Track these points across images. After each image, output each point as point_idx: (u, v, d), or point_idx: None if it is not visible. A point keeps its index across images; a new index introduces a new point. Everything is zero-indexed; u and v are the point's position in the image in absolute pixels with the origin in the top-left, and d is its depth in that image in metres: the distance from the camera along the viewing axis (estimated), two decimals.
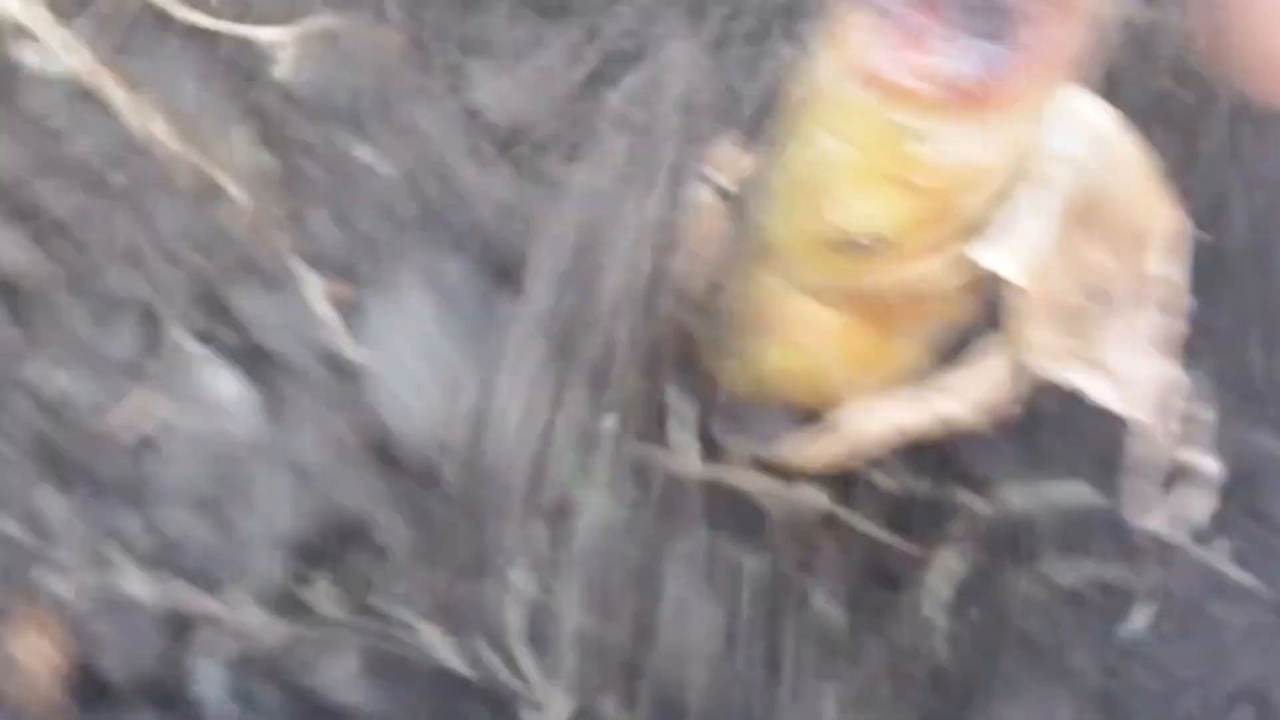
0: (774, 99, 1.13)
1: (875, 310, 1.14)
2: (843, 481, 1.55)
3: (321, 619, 1.49)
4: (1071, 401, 1.48)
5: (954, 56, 0.85)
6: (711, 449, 1.47)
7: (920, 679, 1.56)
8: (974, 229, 1.03)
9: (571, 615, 1.39)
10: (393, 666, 1.49)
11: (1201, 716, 1.52)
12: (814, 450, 1.37)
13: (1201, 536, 1.54)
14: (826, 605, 1.53)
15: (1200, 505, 1.11)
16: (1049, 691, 1.55)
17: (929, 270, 1.05)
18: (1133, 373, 1.12)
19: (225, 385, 1.46)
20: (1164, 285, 1.11)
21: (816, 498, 1.51)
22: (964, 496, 1.56)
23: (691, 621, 1.49)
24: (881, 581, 1.58)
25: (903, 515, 1.57)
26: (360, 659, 1.48)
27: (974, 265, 1.04)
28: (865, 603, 1.57)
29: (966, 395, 1.27)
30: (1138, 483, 1.10)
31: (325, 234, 1.46)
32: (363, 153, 1.46)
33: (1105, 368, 1.13)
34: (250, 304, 1.47)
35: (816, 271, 1.10)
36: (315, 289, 1.44)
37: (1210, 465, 1.10)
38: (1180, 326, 1.09)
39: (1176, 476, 1.49)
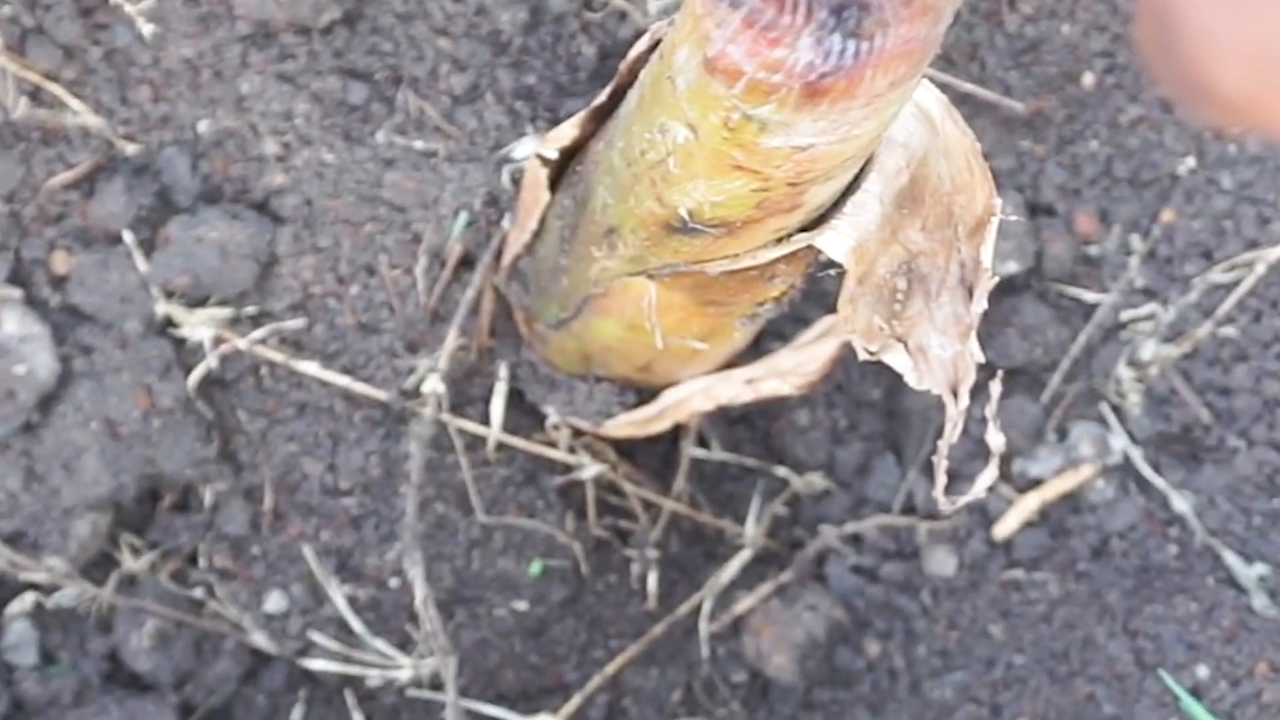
0: (618, 81, 1.14)
1: (711, 292, 1.15)
2: (663, 455, 1.58)
3: (133, 585, 1.48)
4: (892, 381, 1.53)
5: (805, 50, 0.86)
6: (535, 420, 1.49)
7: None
8: (818, 216, 1.05)
9: (414, 585, 1.40)
10: (196, 637, 1.48)
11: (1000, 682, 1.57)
12: (639, 426, 1.39)
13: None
14: (644, 572, 1.56)
15: (986, 478, 1.13)
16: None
17: (768, 255, 1.07)
18: (940, 353, 1.15)
19: (30, 337, 1.43)
20: (974, 267, 1.13)
21: (633, 471, 1.53)
22: (781, 471, 1.60)
23: (508, 589, 1.51)
24: (697, 550, 1.61)
25: (720, 488, 1.61)
26: (164, 628, 1.47)
27: (811, 249, 1.06)
28: (680, 570, 1.60)
29: (795, 376, 1.30)
30: (943, 462, 1.12)
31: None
32: None
33: (917, 348, 1.15)
34: (69, 264, 1.44)
35: (655, 252, 1.11)
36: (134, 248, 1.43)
37: (998, 440, 1.12)
38: (982, 307, 1.11)
39: (972, 451, 1.54)
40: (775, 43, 0.87)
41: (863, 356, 1.13)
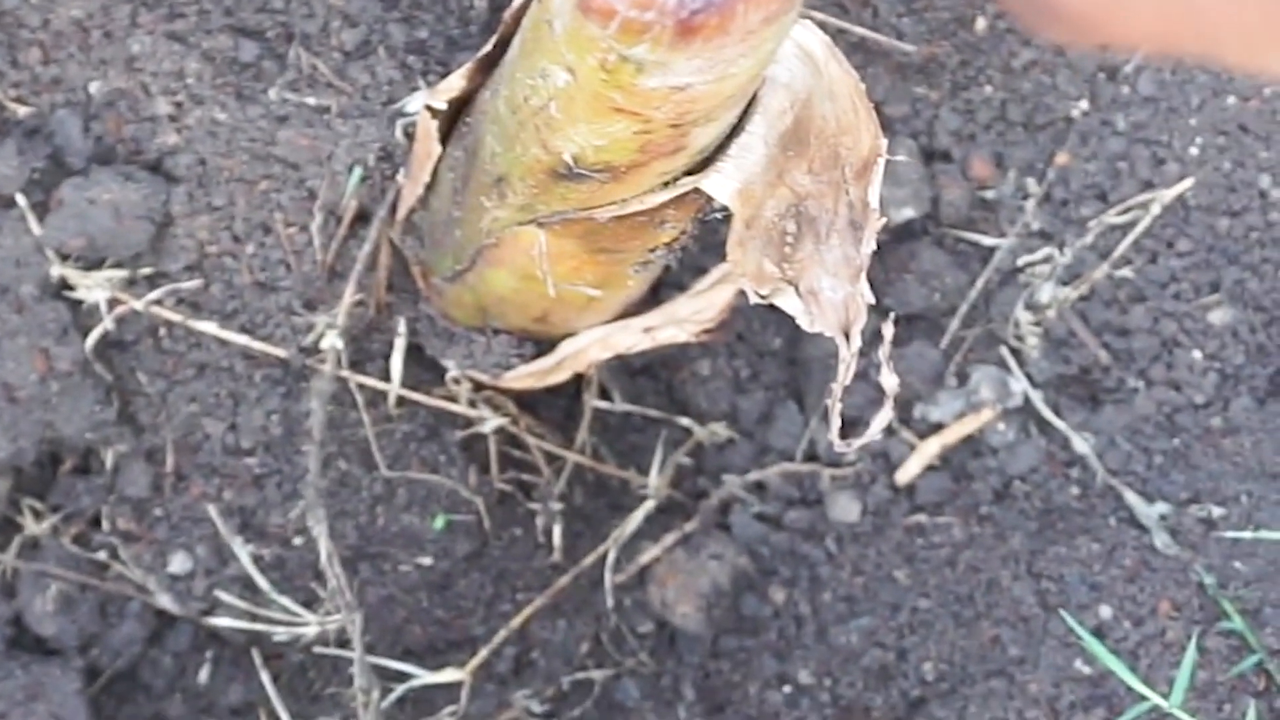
0: (503, 30, 1.14)
1: (602, 239, 1.16)
2: (566, 408, 1.58)
3: (36, 549, 1.47)
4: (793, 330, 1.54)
5: None
6: (436, 374, 1.49)
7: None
8: (704, 160, 1.06)
9: (318, 542, 1.39)
10: (100, 600, 1.48)
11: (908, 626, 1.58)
12: (538, 377, 1.39)
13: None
14: (548, 524, 1.56)
15: (881, 418, 1.14)
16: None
17: (655, 200, 1.07)
18: (831, 295, 1.15)
19: None
20: (862, 208, 1.14)
21: (535, 424, 1.53)
22: (684, 421, 1.60)
23: (412, 544, 1.51)
24: (601, 501, 1.61)
25: (623, 439, 1.61)
26: (67, 591, 1.46)
27: (698, 194, 1.06)
28: (585, 521, 1.61)
29: (692, 323, 1.30)
30: (836, 403, 1.13)
31: None
32: None
33: (808, 290, 1.16)
34: None
35: (543, 200, 1.12)
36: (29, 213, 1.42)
37: (891, 381, 1.13)
38: (871, 248, 1.12)
39: (873, 398, 1.55)
40: None
41: (754, 300, 1.13)
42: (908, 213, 1.60)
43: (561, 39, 0.95)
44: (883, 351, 1.12)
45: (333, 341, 1.41)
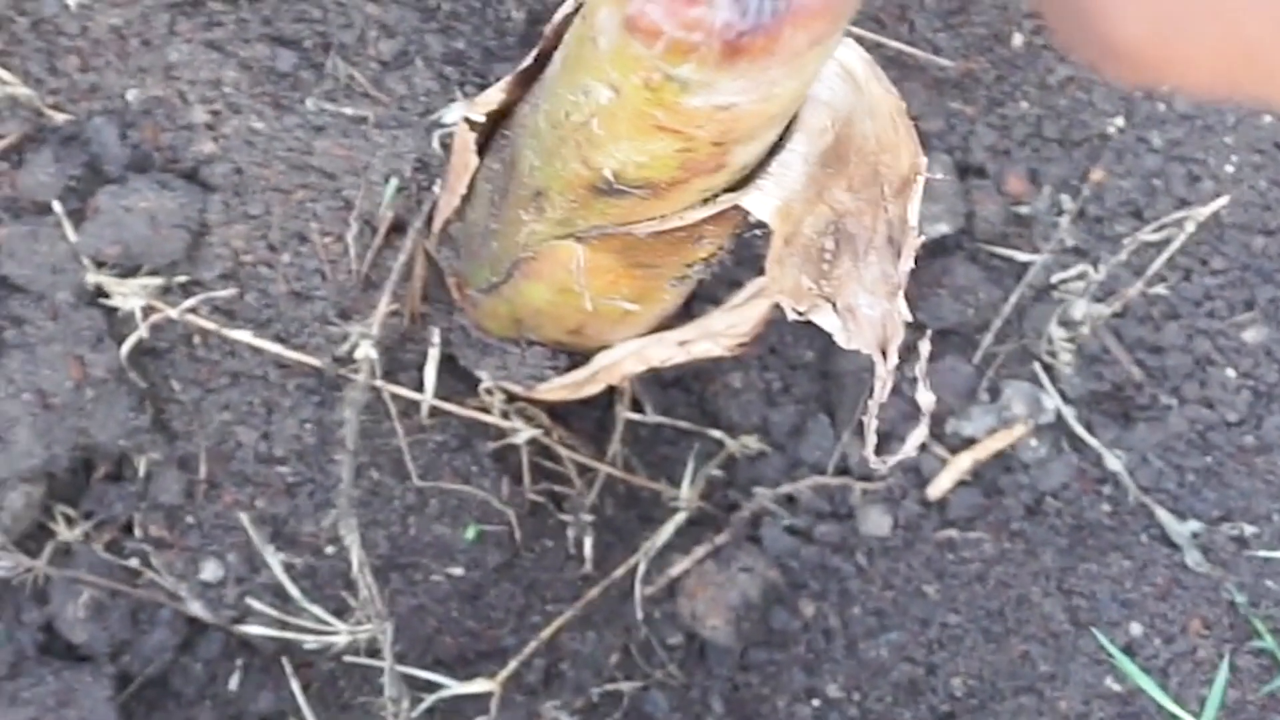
0: (543, 44, 1.15)
1: (640, 254, 1.16)
2: (598, 419, 1.58)
3: (68, 555, 1.47)
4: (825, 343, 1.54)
5: (723, 8, 0.86)
6: (469, 385, 1.49)
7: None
8: (744, 177, 1.06)
9: (350, 551, 1.39)
10: (131, 607, 1.48)
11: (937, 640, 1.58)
12: (571, 389, 1.39)
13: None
14: (579, 536, 1.56)
15: (916, 436, 1.14)
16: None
17: (695, 216, 1.07)
18: (869, 313, 1.15)
19: None
20: (901, 226, 1.14)
21: (567, 435, 1.53)
22: (716, 434, 1.60)
23: (443, 554, 1.51)
24: (632, 513, 1.61)
25: (655, 451, 1.61)
26: (99, 598, 1.46)
27: (737, 210, 1.06)
28: (615, 533, 1.61)
29: (727, 337, 1.30)
30: (872, 420, 1.13)
31: None
32: None
33: (845, 308, 1.16)
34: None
35: (582, 215, 1.12)
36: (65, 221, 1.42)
37: (927, 398, 1.12)
38: (909, 266, 1.12)
39: (905, 412, 1.55)
40: (693, 1, 0.87)
41: (792, 317, 1.13)
42: (942, 228, 1.60)
43: (606, 56, 0.95)
44: (919, 368, 1.12)
45: (367, 351, 1.41)
